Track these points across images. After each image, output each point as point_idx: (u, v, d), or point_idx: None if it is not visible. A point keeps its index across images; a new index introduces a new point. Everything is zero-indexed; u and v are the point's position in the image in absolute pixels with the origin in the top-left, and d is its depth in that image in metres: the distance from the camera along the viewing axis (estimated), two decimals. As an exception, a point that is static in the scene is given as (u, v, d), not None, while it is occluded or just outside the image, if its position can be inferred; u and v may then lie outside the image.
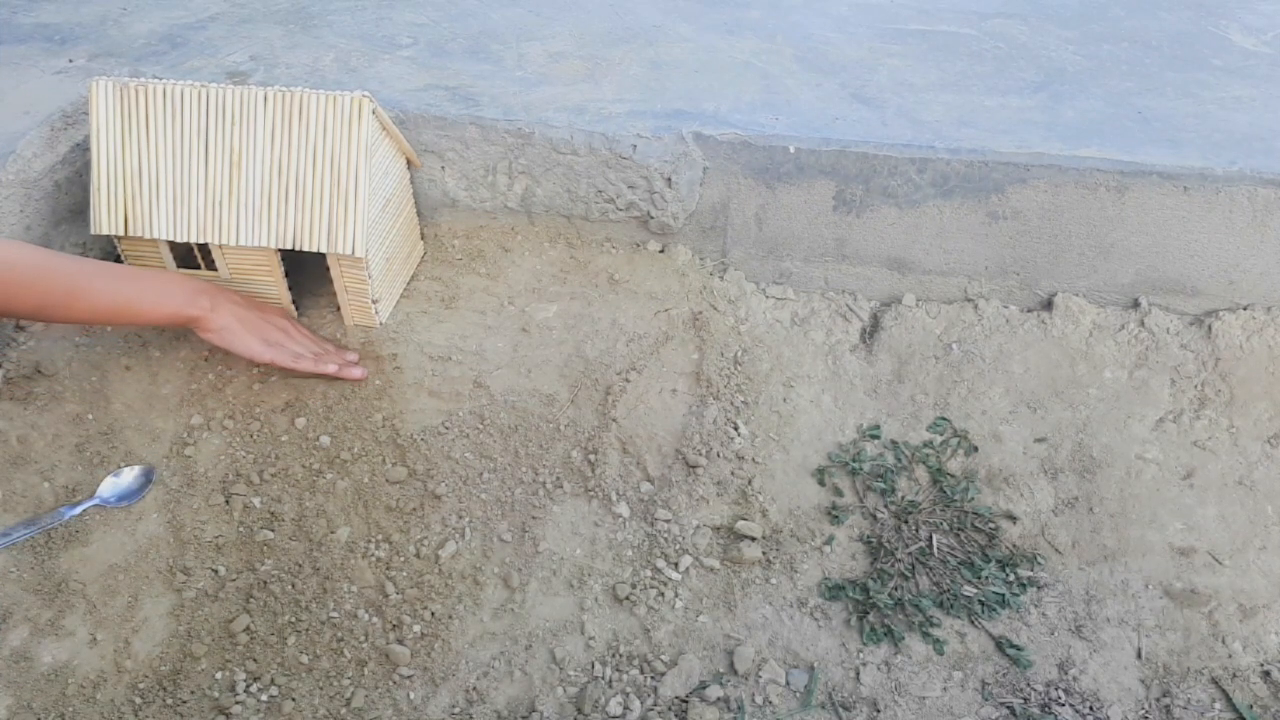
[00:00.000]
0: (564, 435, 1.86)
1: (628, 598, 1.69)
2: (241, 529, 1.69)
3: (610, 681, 1.61)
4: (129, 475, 1.65)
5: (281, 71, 2.17)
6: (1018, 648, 1.70)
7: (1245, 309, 2.08)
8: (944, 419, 2.02)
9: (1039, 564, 1.83)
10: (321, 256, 1.82)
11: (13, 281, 1.21)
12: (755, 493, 1.87)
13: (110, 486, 1.63)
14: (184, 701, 1.48)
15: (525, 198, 2.12)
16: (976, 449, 1.98)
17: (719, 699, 1.59)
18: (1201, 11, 2.71)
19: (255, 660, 1.53)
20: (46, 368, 1.80)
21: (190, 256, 1.88)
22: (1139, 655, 1.71)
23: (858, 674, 1.66)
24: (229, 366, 1.86)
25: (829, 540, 1.84)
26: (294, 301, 1.93)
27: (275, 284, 1.89)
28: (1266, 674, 1.70)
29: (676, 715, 1.57)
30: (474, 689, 1.57)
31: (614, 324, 2.03)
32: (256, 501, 1.72)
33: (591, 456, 1.84)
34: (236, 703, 1.48)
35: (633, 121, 2.05)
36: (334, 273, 1.85)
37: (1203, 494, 1.91)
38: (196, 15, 2.44)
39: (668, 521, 1.79)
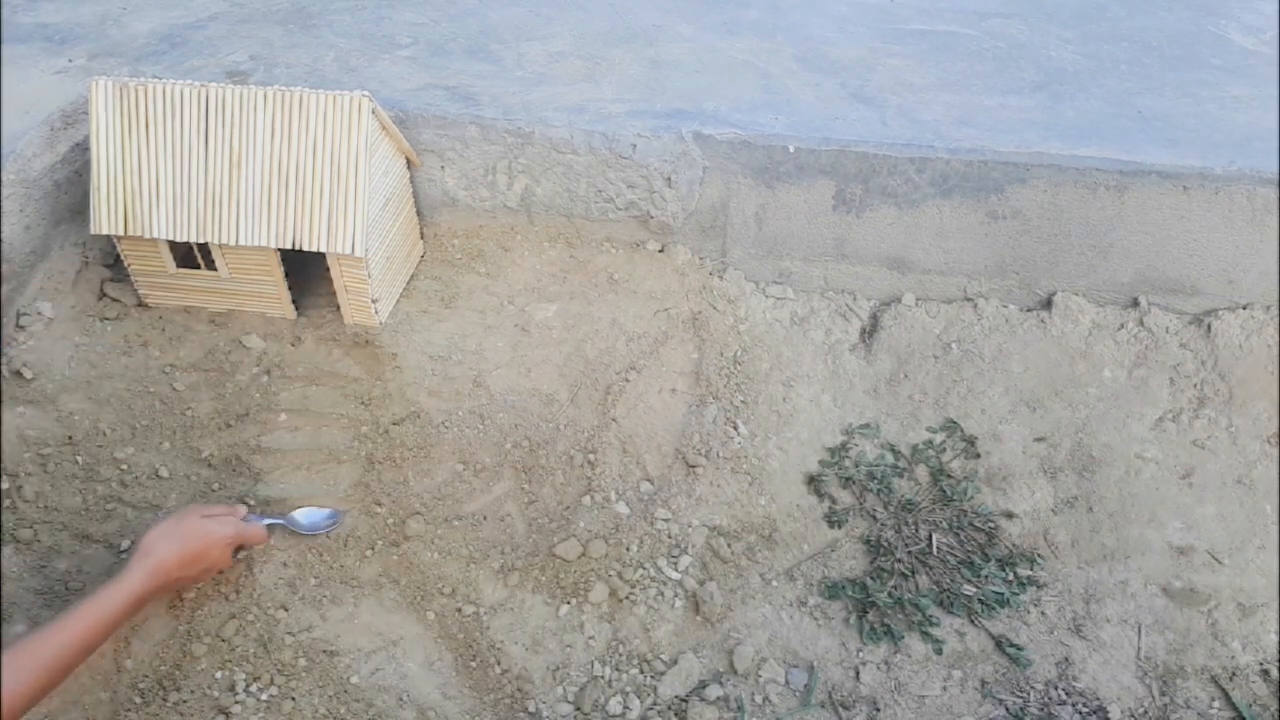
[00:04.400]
0: (564, 435, 1.86)
1: (628, 597, 1.69)
2: (241, 528, 1.69)
3: (610, 681, 1.61)
4: (320, 512, 1.67)
5: (281, 71, 2.17)
6: (1017, 647, 1.71)
7: (1244, 308, 2.08)
8: (944, 418, 2.02)
9: (1038, 563, 1.83)
10: (322, 256, 1.82)
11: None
12: (755, 493, 1.87)
13: (304, 514, 1.66)
14: (184, 701, 1.48)
15: (525, 197, 2.12)
16: (976, 448, 1.98)
17: (719, 698, 1.59)
18: (1201, 11, 2.71)
19: (255, 660, 1.53)
20: (47, 368, 1.80)
21: (190, 256, 1.88)
22: (1139, 654, 1.72)
23: (857, 673, 1.66)
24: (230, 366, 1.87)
25: (829, 540, 1.84)
26: (294, 301, 1.93)
27: (275, 284, 1.89)
28: (1266, 673, 1.70)
29: (676, 715, 1.57)
30: (474, 688, 1.58)
31: (614, 323, 2.03)
32: (256, 501, 1.72)
33: (591, 456, 1.84)
34: (236, 703, 1.48)
35: (632, 121, 2.05)
36: (334, 272, 1.85)
37: (1202, 493, 1.91)
38: (196, 15, 2.44)
39: (667, 521, 1.79)
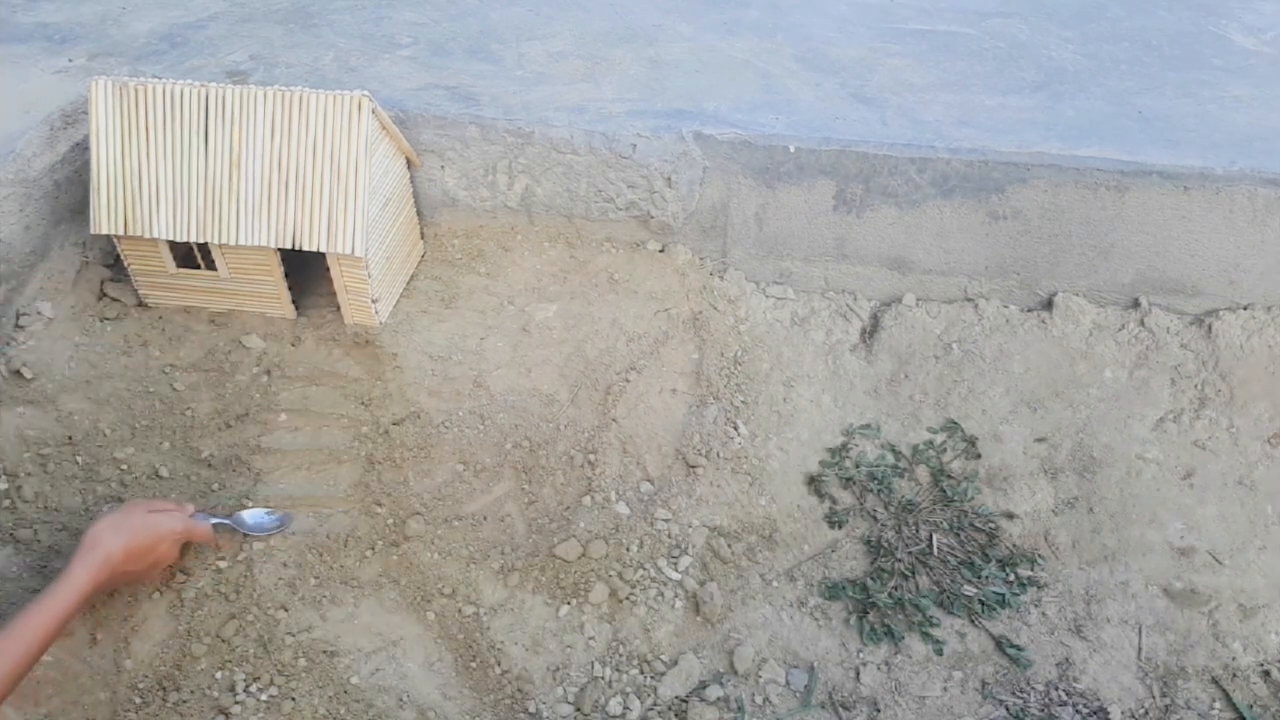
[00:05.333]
0: (564, 435, 1.86)
1: (628, 598, 1.69)
2: (241, 529, 1.69)
3: (610, 681, 1.61)
4: (261, 512, 1.66)
5: (281, 71, 2.17)
6: (1018, 647, 1.70)
7: (1245, 309, 2.08)
8: (944, 419, 2.02)
9: (1039, 564, 1.83)
10: (322, 256, 1.82)
11: None
12: (755, 493, 1.87)
13: (250, 515, 1.65)
14: (184, 701, 1.47)
15: (525, 197, 2.12)
16: (977, 449, 1.98)
17: (719, 699, 1.59)
18: (1201, 11, 2.71)
19: (255, 661, 1.53)
20: (47, 368, 1.80)
21: (190, 256, 1.88)
22: (1139, 655, 1.71)
23: (858, 674, 1.66)
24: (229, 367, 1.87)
25: (829, 540, 1.84)
26: (294, 301, 1.93)
27: (275, 283, 1.89)
28: (1266, 674, 1.70)
29: (676, 715, 1.57)
30: (474, 689, 1.58)
31: (614, 323, 2.03)
32: (256, 501, 1.72)
33: (591, 456, 1.84)
34: (236, 703, 1.48)
35: (632, 121, 2.05)
36: (334, 272, 1.85)
37: (1203, 494, 1.91)
38: (196, 14, 2.44)
39: (667, 521, 1.79)
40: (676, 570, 1.74)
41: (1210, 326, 2.06)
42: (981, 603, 1.76)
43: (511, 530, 1.75)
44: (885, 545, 1.83)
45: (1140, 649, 1.72)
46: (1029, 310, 2.14)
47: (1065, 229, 2.06)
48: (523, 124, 2.03)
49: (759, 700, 1.60)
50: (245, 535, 1.64)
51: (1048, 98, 2.23)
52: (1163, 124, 2.14)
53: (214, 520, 1.60)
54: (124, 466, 1.71)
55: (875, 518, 1.88)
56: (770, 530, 1.84)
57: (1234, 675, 1.69)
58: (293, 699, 1.50)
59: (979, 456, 1.97)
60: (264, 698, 1.49)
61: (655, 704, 1.58)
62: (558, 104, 2.09)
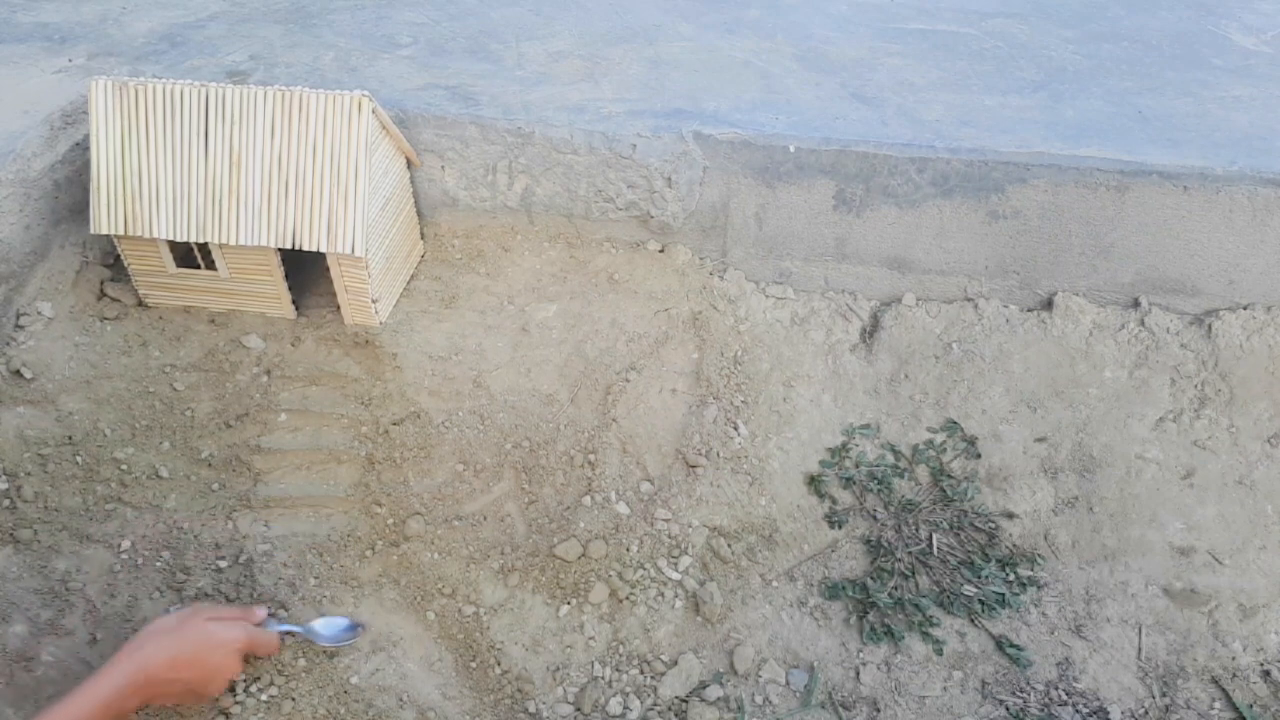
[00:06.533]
0: (564, 435, 1.86)
1: (628, 598, 1.69)
2: (241, 529, 1.68)
3: (610, 681, 1.61)
4: (340, 622, 1.55)
5: (281, 71, 2.17)
6: (1018, 647, 1.70)
7: (1245, 309, 2.08)
8: (944, 418, 2.02)
9: (1039, 563, 1.83)
10: (322, 256, 1.82)
11: None
12: (755, 493, 1.87)
13: (324, 624, 1.54)
14: (184, 701, 1.47)
15: (525, 197, 2.12)
16: (977, 449, 1.98)
17: (719, 699, 1.59)
18: (1201, 11, 2.71)
19: (254, 660, 1.53)
20: (47, 368, 1.80)
21: (190, 255, 1.88)
22: (1139, 655, 1.71)
23: (858, 673, 1.66)
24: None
25: (829, 540, 1.84)
26: (294, 301, 1.93)
27: (275, 284, 1.89)
28: (1266, 673, 1.70)
29: (676, 715, 1.57)
30: (474, 689, 1.57)
31: (613, 323, 2.03)
32: (256, 501, 1.72)
33: (591, 456, 1.84)
34: (236, 703, 1.48)
35: (632, 121, 2.05)
36: (334, 272, 1.85)
37: (1203, 493, 1.91)
38: (196, 14, 2.44)
39: (667, 521, 1.79)
40: (676, 570, 1.74)
41: (1210, 326, 2.06)
42: (981, 603, 1.76)
43: (511, 530, 1.75)
44: (885, 545, 1.83)
45: (1140, 649, 1.72)
46: (1029, 310, 2.14)
47: (1065, 229, 2.06)
48: (523, 124, 2.03)
49: (759, 700, 1.60)
50: (315, 645, 1.53)
51: (1048, 97, 2.23)
52: (1163, 124, 2.14)
53: (284, 628, 1.49)
54: (124, 466, 1.71)
55: (875, 518, 1.88)
56: (770, 530, 1.84)
57: (1234, 675, 1.69)
58: (293, 699, 1.49)
59: (979, 456, 1.97)
60: (264, 698, 1.49)
61: (655, 704, 1.58)
62: (558, 104, 2.09)
